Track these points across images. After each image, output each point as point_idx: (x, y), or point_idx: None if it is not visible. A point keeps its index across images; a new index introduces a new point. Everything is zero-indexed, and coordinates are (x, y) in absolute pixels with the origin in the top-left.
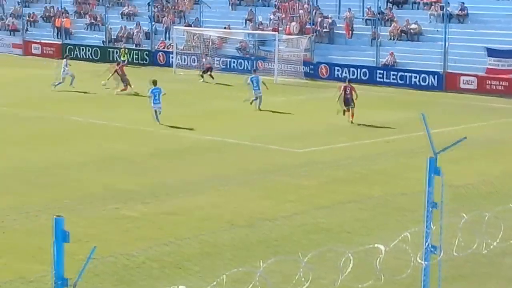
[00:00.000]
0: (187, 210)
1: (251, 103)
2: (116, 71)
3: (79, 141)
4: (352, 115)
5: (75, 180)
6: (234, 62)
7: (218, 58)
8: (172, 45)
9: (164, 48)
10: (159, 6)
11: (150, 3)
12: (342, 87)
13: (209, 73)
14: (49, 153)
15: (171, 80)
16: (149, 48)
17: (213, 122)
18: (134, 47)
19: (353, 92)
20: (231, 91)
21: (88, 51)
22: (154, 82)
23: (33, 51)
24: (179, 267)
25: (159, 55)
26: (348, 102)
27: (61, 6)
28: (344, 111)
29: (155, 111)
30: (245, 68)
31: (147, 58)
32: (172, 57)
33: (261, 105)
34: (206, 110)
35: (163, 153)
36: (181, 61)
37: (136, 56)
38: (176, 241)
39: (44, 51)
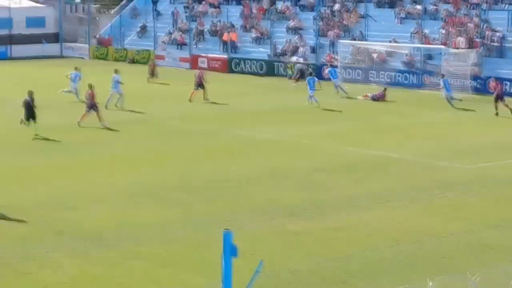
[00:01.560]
0: (352, 226)
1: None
2: None
3: (244, 155)
4: None
5: (241, 194)
6: (399, 76)
7: (384, 72)
8: (338, 59)
9: (329, 62)
10: (324, 20)
11: (316, 17)
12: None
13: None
14: (215, 166)
15: (336, 94)
16: (315, 62)
17: (378, 137)
18: (300, 61)
19: None
20: (397, 105)
21: (254, 65)
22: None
23: (200, 65)
24: (343, 282)
25: (324, 69)
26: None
27: (227, 20)
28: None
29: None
30: (411, 82)
31: (313, 72)
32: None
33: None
34: (372, 125)
35: (328, 168)
36: (347, 75)
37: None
38: (340, 256)
39: (210, 65)
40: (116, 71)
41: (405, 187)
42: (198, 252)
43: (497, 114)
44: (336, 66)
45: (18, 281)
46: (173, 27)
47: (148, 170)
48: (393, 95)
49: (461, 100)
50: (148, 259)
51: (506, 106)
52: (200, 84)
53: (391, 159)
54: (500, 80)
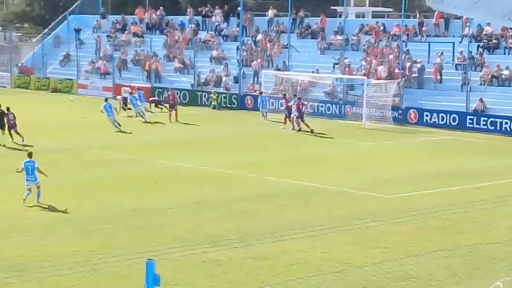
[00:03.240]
0: (275, 255)
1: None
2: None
3: (167, 184)
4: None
5: (163, 224)
6: (322, 107)
7: (306, 102)
8: (261, 89)
9: (252, 92)
10: (247, 50)
11: (239, 47)
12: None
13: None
14: (137, 196)
15: (259, 124)
16: (238, 92)
17: (301, 167)
18: (222, 90)
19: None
20: (319, 136)
21: (177, 94)
22: (29, 155)
23: (123, 94)
24: None
25: (247, 99)
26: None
27: (151, 50)
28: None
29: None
30: (333, 112)
31: (235, 102)
32: (260, 101)
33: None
34: (293, 154)
35: (251, 197)
36: (269, 105)
37: (225, 100)
38: (264, 286)
39: (133, 94)
40: (106, 100)
41: (326, 216)
42: (121, 281)
43: (300, 129)
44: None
45: None
46: (96, 55)
47: (70, 199)
48: (316, 125)
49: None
50: None
51: (307, 125)
52: (173, 105)
53: (313, 188)
54: (419, 110)
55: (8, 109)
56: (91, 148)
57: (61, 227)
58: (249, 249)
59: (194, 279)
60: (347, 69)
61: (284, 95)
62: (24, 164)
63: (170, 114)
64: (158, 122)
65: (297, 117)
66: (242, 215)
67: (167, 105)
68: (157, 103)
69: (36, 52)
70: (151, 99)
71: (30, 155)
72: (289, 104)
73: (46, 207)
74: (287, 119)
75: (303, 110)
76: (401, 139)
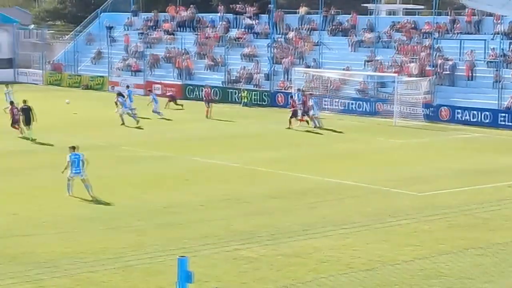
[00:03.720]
0: (305, 253)
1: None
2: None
3: (198, 181)
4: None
5: (194, 220)
6: (353, 104)
7: (337, 100)
8: (292, 86)
9: (283, 89)
10: (279, 48)
11: (270, 45)
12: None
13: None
14: (169, 193)
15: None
16: (269, 89)
17: (332, 164)
18: (253, 88)
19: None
20: (350, 133)
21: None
22: (76, 148)
23: (155, 91)
24: None
25: (278, 96)
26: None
27: (182, 47)
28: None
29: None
30: (364, 110)
31: (266, 99)
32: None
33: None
34: (325, 151)
35: (282, 194)
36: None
37: (256, 97)
38: (294, 283)
39: (165, 92)
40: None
41: (358, 213)
42: (153, 278)
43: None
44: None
45: None
46: (126, 52)
47: (102, 196)
48: (347, 122)
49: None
50: (101, 286)
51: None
52: (209, 101)
53: (344, 186)
54: (451, 107)
55: (24, 102)
56: (123, 145)
57: (93, 224)
58: (281, 246)
59: (225, 276)
60: (378, 66)
61: (303, 91)
62: (70, 157)
63: (207, 110)
64: (164, 119)
65: (303, 113)
66: (274, 212)
67: (204, 102)
68: (172, 100)
69: (68, 49)
70: (167, 94)
71: (76, 148)
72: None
73: (77, 203)
74: (304, 117)
75: (308, 104)
76: (433, 136)
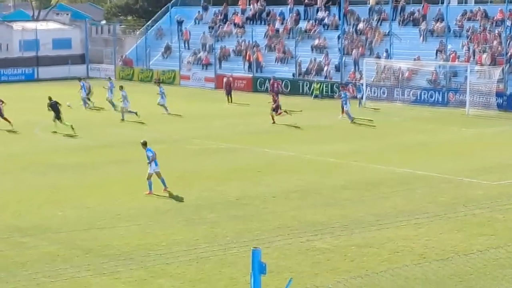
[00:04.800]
0: (379, 243)
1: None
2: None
3: (270, 173)
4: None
5: (266, 212)
6: (424, 94)
7: (409, 90)
8: (362, 77)
9: (353, 80)
10: (349, 39)
11: (340, 36)
12: None
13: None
14: (241, 184)
15: (360, 113)
16: (339, 81)
17: (404, 154)
18: (323, 79)
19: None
20: (422, 123)
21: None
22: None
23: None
24: None
25: (349, 88)
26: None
27: (252, 40)
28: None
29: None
30: (436, 100)
31: (337, 91)
32: (362, 89)
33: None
34: (396, 142)
35: (354, 185)
36: (371, 93)
37: (326, 88)
38: (368, 273)
39: (236, 85)
40: (121, 88)
41: (430, 203)
42: (227, 269)
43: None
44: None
45: None
46: (185, 46)
47: (174, 189)
48: (418, 113)
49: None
50: (176, 278)
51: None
52: (229, 92)
53: (416, 176)
54: None
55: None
56: (195, 138)
57: (166, 216)
58: (353, 237)
59: (298, 267)
60: (450, 56)
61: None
62: (150, 152)
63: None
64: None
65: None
66: (346, 203)
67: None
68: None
69: (139, 44)
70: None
71: (146, 143)
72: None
73: (150, 196)
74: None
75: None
76: (506, 126)
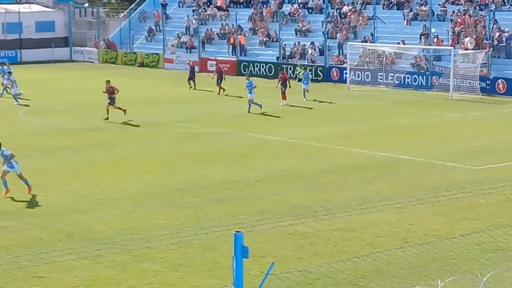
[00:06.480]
0: (361, 227)
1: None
2: None
3: (254, 157)
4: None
5: (250, 196)
6: (408, 78)
7: (392, 74)
8: (346, 61)
9: (337, 64)
10: (333, 23)
11: (324, 20)
12: None
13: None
14: (225, 169)
15: (345, 96)
16: (323, 64)
17: (388, 139)
18: (307, 63)
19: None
20: (406, 107)
21: (263, 67)
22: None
23: (209, 68)
24: (353, 284)
25: (333, 71)
26: None
27: (236, 23)
28: None
29: None
30: (420, 83)
31: (321, 74)
32: (346, 73)
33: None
34: (380, 126)
35: (338, 170)
36: (355, 77)
37: (310, 72)
38: (350, 258)
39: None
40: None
41: (414, 188)
42: (209, 253)
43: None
44: None
45: (30, 284)
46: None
47: (157, 173)
48: (402, 96)
49: None
50: (159, 262)
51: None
52: (220, 78)
53: (400, 160)
54: (507, 80)
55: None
56: (179, 121)
57: (149, 200)
58: (336, 221)
59: (281, 251)
60: (434, 39)
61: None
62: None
63: (219, 87)
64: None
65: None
66: (329, 187)
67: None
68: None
69: (123, 27)
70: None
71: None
72: None
73: (133, 181)
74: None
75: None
76: (489, 109)
